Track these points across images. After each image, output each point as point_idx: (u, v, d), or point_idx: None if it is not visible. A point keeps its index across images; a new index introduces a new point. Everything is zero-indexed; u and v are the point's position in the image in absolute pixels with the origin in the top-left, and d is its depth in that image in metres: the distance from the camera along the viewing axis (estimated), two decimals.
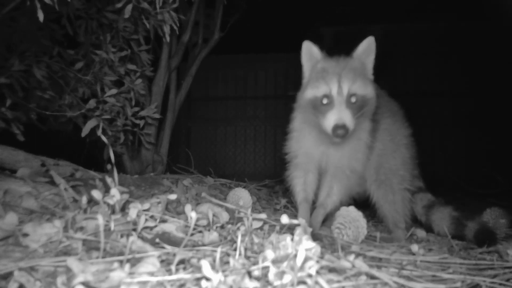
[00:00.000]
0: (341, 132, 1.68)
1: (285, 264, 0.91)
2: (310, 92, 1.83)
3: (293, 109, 2.05)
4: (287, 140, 2.09)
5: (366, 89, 1.79)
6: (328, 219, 2.36)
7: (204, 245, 1.29)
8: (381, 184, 2.11)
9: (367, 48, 1.85)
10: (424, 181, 2.33)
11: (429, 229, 2.20)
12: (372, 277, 1.05)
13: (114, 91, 2.50)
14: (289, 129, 2.09)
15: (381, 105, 2.18)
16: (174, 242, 1.26)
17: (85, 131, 2.39)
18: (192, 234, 1.37)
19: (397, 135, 2.16)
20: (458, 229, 1.99)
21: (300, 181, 2.07)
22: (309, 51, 1.91)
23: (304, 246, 0.93)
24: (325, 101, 1.76)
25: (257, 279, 0.95)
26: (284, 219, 1.29)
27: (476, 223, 1.95)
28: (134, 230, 1.28)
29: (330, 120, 1.71)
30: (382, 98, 2.23)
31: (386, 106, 2.21)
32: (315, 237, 1.83)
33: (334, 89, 1.74)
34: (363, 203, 2.29)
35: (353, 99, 1.74)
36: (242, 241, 1.21)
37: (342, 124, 1.68)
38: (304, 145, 2.02)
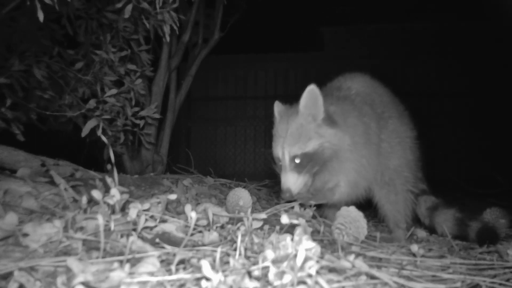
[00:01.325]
0: (285, 196, 1.86)
1: (285, 264, 0.91)
2: (273, 149, 2.01)
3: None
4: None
5: (307, 146, 1.86)
6: (327, 218, 2.36)
7: (204, 245, 1.29)
8: (385, 184, 2.11)
9: (309, 99, 1.87)
10: (425, 180, 2.33)
11: (432, 231, 2.20)
12: (372, 277, 1.05)
13: (114, 91, 2.50)
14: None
15: (387, 106, 2.17)
16: (174, 242, 1.26)
17: (85, 131, 2.39)
18: (192, 234, 1.37)
19: (403, 137, 2.16)
20: (462, 230, 1.99)
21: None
22: (275, 108, 2.09)
23: (304, 246, 0.93)
24: (278, 162, 1.94)
25: (257, 279, 0.95)
26: (284, 219, 1.29)
27: (479, 222, 1.95)
28: (134, 230, 1.28)
29: (281, 183, 1.90)
30: (387, 98, 2.23)
31: (393, 108, 2.20)
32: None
33: (280, 153, 1.90)
34: (363, 203, 2.29)
35: (297, 160, 1.85)
36: (242, 241, 1.21)
37: (286, 189, 1.86)
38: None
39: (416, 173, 2.19)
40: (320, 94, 1.86)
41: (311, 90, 1.86)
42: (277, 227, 1.67)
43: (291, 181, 1.86)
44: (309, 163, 1.86)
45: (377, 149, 2.05)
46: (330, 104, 1.94)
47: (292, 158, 1.85)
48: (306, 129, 1.88)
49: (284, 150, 1.87)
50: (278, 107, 2.07)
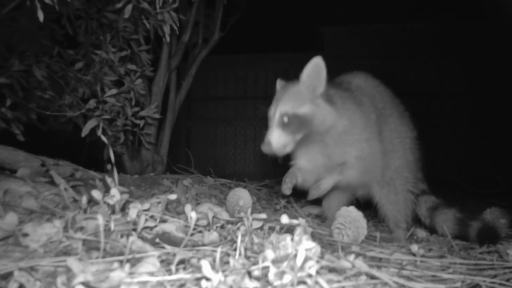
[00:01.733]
0: (264, 149, 1.89)
1: (285, 264, 0.91)
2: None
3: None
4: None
5: (300, 108, 1.90)
6: (327, 218, 2.36)
7: (204, 245, 1.29)
8: (385, 184, 2.11)
9: (312, 70, 1.91)
10: (425, 181, 2.33)
11: (432, 231, 2.20)
12: (372, 277, 1.05)
13: (114, 91, 2.50)
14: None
15: (387, 105, 2.18)
16: (174, 242, 1.26)
17: (85, 131, 2.39)
18: (192, 234, 1.37)
19: (404, 137, 2.17)
20: (462, 230, 1.99)
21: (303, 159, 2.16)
22: (277, 85, 2.15)
23: (304, 246, 0.93)
24: (269, 121, 1.97)
25: (257, 279, 0.95)
26: (284, 219, 1.29)
27: (479, 222, 1.95)
28: (134, 230, 1.28)
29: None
30: (388, 97, 2.24)
31: (394, 106, 2.21)
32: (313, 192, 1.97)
33: (272, 111, 1.94)
34: (363, 203, 2.29)
35: (285, 119, 1.88)
36: (242, 241, 1.21)
37: (267, 141, 1.88)
38: (306, 154, 2.13)
39: (416, 174, 2.19)
40: (324, 68, 1.90)
41: (317, 62, 1.90)
42: (277, 227, 1.67)
43: (275, 136, 1.89)
44: (296, 126, 1.89)
45: (378, 138, 2.05)
46: (330, 88, 1.97)
47: (281, 116, 1.89)
48: (303, 95, 1.92)
49: (277, 108, 1.91)
50: (280, 83, 2.13)
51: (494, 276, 1.26)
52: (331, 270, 1.06)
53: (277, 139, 1.88)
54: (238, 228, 1.47)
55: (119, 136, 2.77)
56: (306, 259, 0.90)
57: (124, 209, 1.38)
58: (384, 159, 2.10)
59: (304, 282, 0.89)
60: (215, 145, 6.80)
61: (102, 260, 1.05)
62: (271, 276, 0.90)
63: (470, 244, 1.92)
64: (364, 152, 1.98)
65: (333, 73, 2.27)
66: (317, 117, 1.90)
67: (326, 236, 1.87)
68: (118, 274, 0.91)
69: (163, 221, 1.44)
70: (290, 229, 1.47)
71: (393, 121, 2.15)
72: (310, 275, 0.88)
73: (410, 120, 2.27)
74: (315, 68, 1.90)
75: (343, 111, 1.95)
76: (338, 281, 1.00)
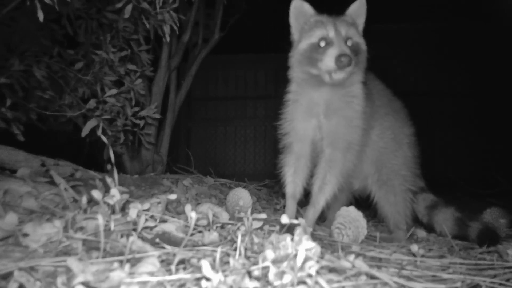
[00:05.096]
0: (345, 60, 1.66)
1: (285, 264, 0.91)
2: (304, 42, 1.83)
3: (288, 83, 2.03)
4: (281, 119, 2.03)
5: (360, 38, 1.85)
6: (327, 218, 2.36)
7: (204, 245, 1.29)
8: (383, 184, 2.10)
9: (358, 8, 1.92)
10: (425, 181, 2.33)
11: (431, 229, 2.20)
12: (372, 277, 1.05)
13: (114, 91, 2.50)
14: (284, 103, 2.03)
15: (384, 103, 2.17)
16: (174, 242, 1.26)
17: (85, 131, 2.39)
18: (192, 234, 1.37)
19: (399, 134, 2.15)
20: (461, 230, 1.99)
21: (291, 170, 2.00)
22: (300, 9, 1.90)
23: (304, 246, 0.93)
24: (322, 43, 1.76)
25: (257, 279, 0.95)
26: (284, 219, 1.29)
27: (479, 223, 1.95)
28: (134, 230, 1.28)
29: (332, 54, 1.71)
30: (386, 96, 2.23)
31: (390, 105, 2.20)
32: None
33: (332, 31, 1.76)
34: (364, 203, 2.29)
35: (349, 43, 1.77)
36: (242, 241, 1.21)
37: (344, 53, 1.67)
38: (296, 118, 1.96)
39: (414, 170, 2.18)
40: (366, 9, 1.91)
41: (363, 1, 1.91)
42: (277, 227, 1.67)
43: (349, 51, 1.71)
44: (355, 58, 1.76)
45: (366, 134, 1.99)
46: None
47: (346, 39, 1.76)
48: (355, 26, 1.88)
49: (340, 28, 1.76)
50: (303, 3, 1.91)
51: (494, 276, 1.26)
52: (331, 270, 1.06)
53: (351, 54, 1.70)
54: (238, 228, 1.47)
55: (119, 136, 2.77)
56: (306, 259, 0.90)
57: (124, 209, 1.38)
58: (379, 157, 2.09)
59: (304, 282, 0.89)
60: (215, 145, 6.80)
61: (102, 260, 1.05)
62: (271, 276, 0.90)
63: (470, 244, 1.92)
64: (354, 137, 1.90)
65: None
66: (365, 54, 1.87)
67: (326, 236, 1.87)
68: (118, 274, 0.91)
69: (163, 221, 1.44)
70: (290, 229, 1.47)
71: (387, 120, 2.13)
72: (310, 275, 0.88)
73: (407, 116, 2.26)
74: (362, 6, 1.91)
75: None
76: (338, 281, 1.00)
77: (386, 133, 2.10)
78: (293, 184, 1.99)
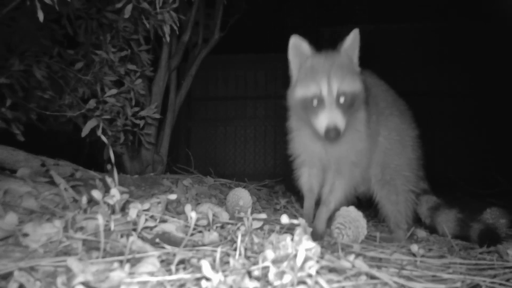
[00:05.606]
0: (333, 135, 1.66)
1: (285, 264, 0.91)
2: (300, 91, 1.81)
3: (288, 107, 2.04)
4: (289, 141, 2.10)
5: (355, 85, 1.77)
6: (329, 218, 2.36)
7: (204, 245, 1.29)
8: (385, 184, 2.10)
9: (352, 42, 1.84)
10: (426, 180, 2.33)
11: (433, 230, 2.20)
12: (372, 277, 1.05)
13: (114, 91, 2.50)
14: (287, 129, 2.09)
15: (389, 103, 2.17)
16: (174, 242, 1.26)
17: (85, 131, 2.39)
18: (192, 234, 1.37)
19: (404, 136, 2.16)
20: (464, 231, 2.00)
21: (305, 175, 2.08)
22: (298, 47, 1.86)
23: (304, 246, 0.93)
24: (315, 102, 1.73)
25: (257, 279, 0.95)
26: (284, 219, 1.29)
27: (480, 224, 1.96)
28: (134, 230, 1.28)
29: (322, 122, 1.69)
30: (391, 97, 2.23)
31: (395, 105, 2.20)
32: (315, 235, 1.83)
33: (324, 89, 1.71)
34: (364, 203, 2.29)
35: (342, 99, 1.71)
36: (242, 241, 1.21)
37: (333, 127, 1.66)
38: (304, 143, 2.01)
39: (417, 172, 2.18)
40: (359, 39, 1.83)
41: (357, 32, 1.82)
42: (277, 227, 1.67)
43: (339, 117, 1.67)
44: (349, 105, 1.73)
45: (373, 141, 2.03)
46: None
47: (339, 96, 1.70)
48: (350, 68, 1.79)
49: (332, 83, 1.69)
50: (301, 42, 1.85)
51: (494, 276, 1.26)
52: (331, 270, 1.06)
53: (341, 122, 1.67)
54: (238, 228, 1.47)
55: (119, 136, 2.77)
56: (306, 259, 0.90)
57: (124, 209, 1.38)
58: (383, 158, 2.10)
59: (304, 282, 0.89)
60: (215, 145, 6.80)
61: (102, 260, 1.05)
62: (271, 276, 0.90)
63: (470, 244, 1.92)
64: (359, 158, 1.95)
65: None
66: (363, 92, 1.81)
67: (326, 236, 1.87)
68: (118, 274, 0.91)
69: (163, 221, 1.44)
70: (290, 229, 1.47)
71: (393, 120, 2.14)
72: (310, 275, 0.88)
73: (411, 118, 2.27)
74: (355, 40, 1.83)
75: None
76: (338, 281, 1.00)
77: (392, 134, 2.11)
78: (308, 183, 2.07)
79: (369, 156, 2.03)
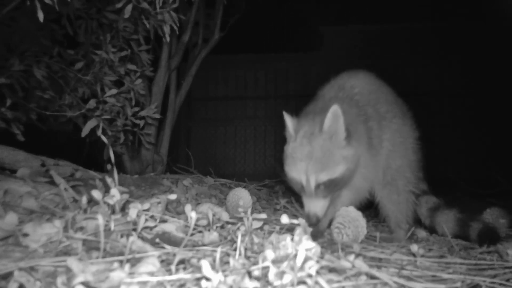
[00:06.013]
0: (313, 221, 1.79)
1: (285, 264, 0.91)
2: (287, 169, 1.89)
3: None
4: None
5: (335, 172, 1.79)
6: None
7: (204, 245, 1.29)
8: (387, 184, 2.11)
9: (333, 121, 1.79)
10: (425, 181, 2.33)
11: (433, 231, 2.20)
12: (372, 277, 1.05)
13: (114, 91, 2.50)
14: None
15: (391, 105, 2.17)
16: (174, 242, 1.26)
17: (85, 131, 2.39)
18: (192, 234, 1.37)
19: (406, 137, 2.16)
20: (462, 230, 2.00)
21: None
22: (287, 122, 1.94)
23: (304, 246, 0.93)
24: (298, 186, 1.85)
25: (257, 279, 0.95)
26: (284, 219, 1.29)
27: (480, 223, 1.96)
28: (134, 230, 1.28)
29: (304, 205, 1.85)
30: (392, 99, 2.23)
31: (397, 106, 2.20)
32: (316, 234, 1.85)
33: (303, 180, 1.80)
34: (364, 203, 2.29)
35: (322, 187, 1.79)
36: (242, 241, 1.21)
37: (313, 214, 1.80)
38: None
39: (417, 174, 2.19)
40: (342, 114, 1.78)
41: (335, 111, 1.77)
42: (277, 227, 1.67)
43: (318, 206, 1.81)
44: (332, 188, 1.82)
45: (377, 153, 2.05)
46: (344, 113, 1.83)
47: (318, 185, 1.79)
48: (332, 153, 1.79)
49: (309, 176, 1.78)
50: (291, 122, 1.91)
51: (494, 276, 1.26)
52: (331, 270, 1.06)
53: (321, 209, 1.81)
54: (238, 228, 1.47)
55: (119, 136, 2.77)
56: (306, 259, 0.90)
57: (124, 209, 1.38)
58: (386, 160, 2.10)
59: (304, 282, 0.89)
60: (215, 145, 6.81)
61: (102, 260, 1.05)
62: (271, 276, 0.90)
63: (470, 244, 1.92)
64: (365, 176, 1.98)
65: (333, 73, 2.27)
66: (350, 169, 1.83)
67: (326, 236, 1.87)
68: (118, 274, 0.91)
69: (163, 221, 1.44)
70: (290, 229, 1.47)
71: (396, 122, 2.14)
72: (310, 275, 0.88)
73: (412, 119, 2.27)
74: (335, 118, 1.77)
75: (357, 141, 1.88)
76: (338, 281, 1.00)
77: (395, 136, 2.11)
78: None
79: (376, 168, 2.06)
